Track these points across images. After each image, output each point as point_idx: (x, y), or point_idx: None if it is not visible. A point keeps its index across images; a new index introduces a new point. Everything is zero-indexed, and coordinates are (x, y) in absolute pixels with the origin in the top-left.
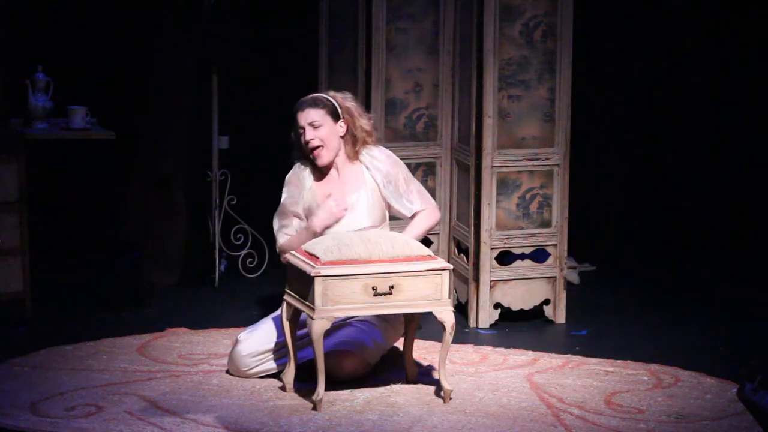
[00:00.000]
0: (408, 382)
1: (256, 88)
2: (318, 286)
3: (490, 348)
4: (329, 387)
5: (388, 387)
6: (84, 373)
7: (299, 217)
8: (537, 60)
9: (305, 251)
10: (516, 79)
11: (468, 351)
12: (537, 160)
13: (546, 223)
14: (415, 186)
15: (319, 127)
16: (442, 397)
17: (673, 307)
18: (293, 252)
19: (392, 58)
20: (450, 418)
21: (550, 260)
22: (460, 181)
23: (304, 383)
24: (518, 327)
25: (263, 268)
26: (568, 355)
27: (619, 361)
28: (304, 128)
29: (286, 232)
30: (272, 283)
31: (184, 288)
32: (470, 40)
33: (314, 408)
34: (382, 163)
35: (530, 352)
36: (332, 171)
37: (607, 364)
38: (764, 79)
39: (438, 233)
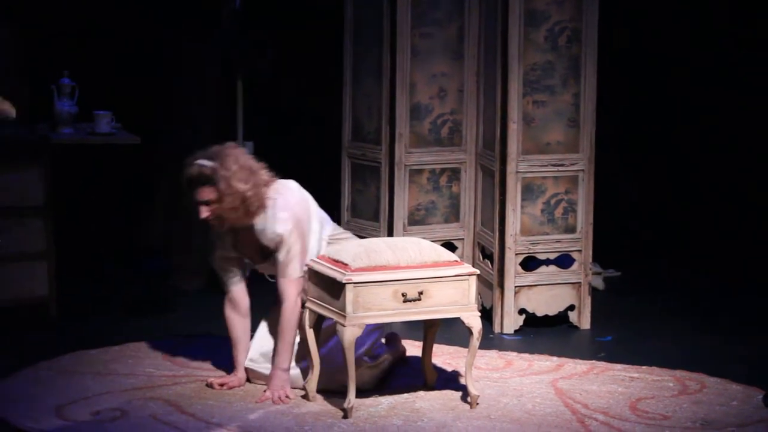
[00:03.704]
0: (427, 388)
1: (282, 94)
2: (349, 293)
3: (514, 354)
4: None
5: (412, 392)
6: (109, 378)
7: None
8: (562, 65)
9: (329, 258)
10: (541, 85)
11: (493, 356)
12: (562, 165)
13: (571, 229)
14: (294, 256)
15: (213, 204)
16: (469, 403)
17: (698, 313)
18: (315, 259)
19: (417, 63)
20: (474, 423)
21: (574, 266)
22: (485, 187)
23: (327, 389)
24: (543, 333)
25: None
26: (593, 361)
27: (644, 367)
28: (197, 204)
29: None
30: None
31: (209, 293)
32: (495, 45)
33: (345, 416)
34: (273, 234)
35: (555, 358)
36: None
37: (632, 370)
38: None
39: (463, 238)
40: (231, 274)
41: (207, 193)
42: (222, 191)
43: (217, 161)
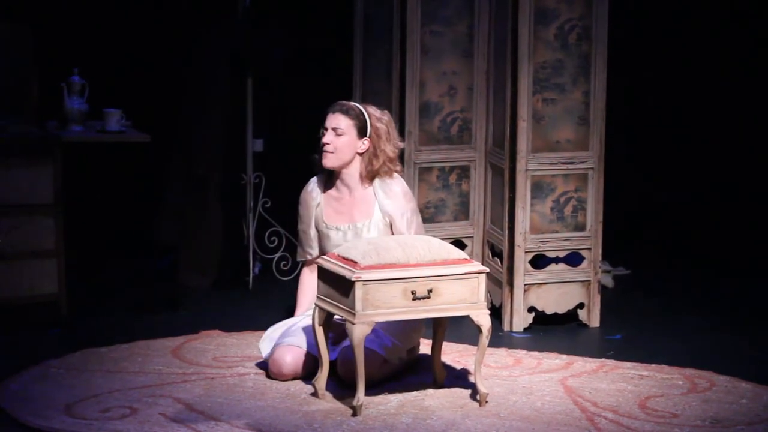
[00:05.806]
0: (436, 386)
1: (291, 91)
2: (359, 291)
3: (524, 352)
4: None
5: (421, 390)
6: (119, 375)
7: (312, 238)
8: (572, 63)
9: (340, 256)
10: (551, 83)
11: (502, 354)
12: (571, 163)
13: (580, 227)
14: (414, 227)
15: (340, 136)
16: (478, 401)
17: (707, 311)
18: (326, 257)
19: (427, 61)
20: (484, 421)
21: (584, 264)
22: (495, 185)
23: (336, 387)
24: (552, 331)
25: (297, 271)
26: (603, 359)
27: (653, 365)
28: (327, 130)
29: (309, 251)
30: None
31: (218, 290)
32: (505, 43)
33: (354, 414)
34: (394, 200)
35: (564, 356)
36: (344, 190)
37: (641, 368)
38: None
39: (472, 236)
40: (313, 245)
41: (342, 122)
42: (358, 126)
43: (373, 111)
